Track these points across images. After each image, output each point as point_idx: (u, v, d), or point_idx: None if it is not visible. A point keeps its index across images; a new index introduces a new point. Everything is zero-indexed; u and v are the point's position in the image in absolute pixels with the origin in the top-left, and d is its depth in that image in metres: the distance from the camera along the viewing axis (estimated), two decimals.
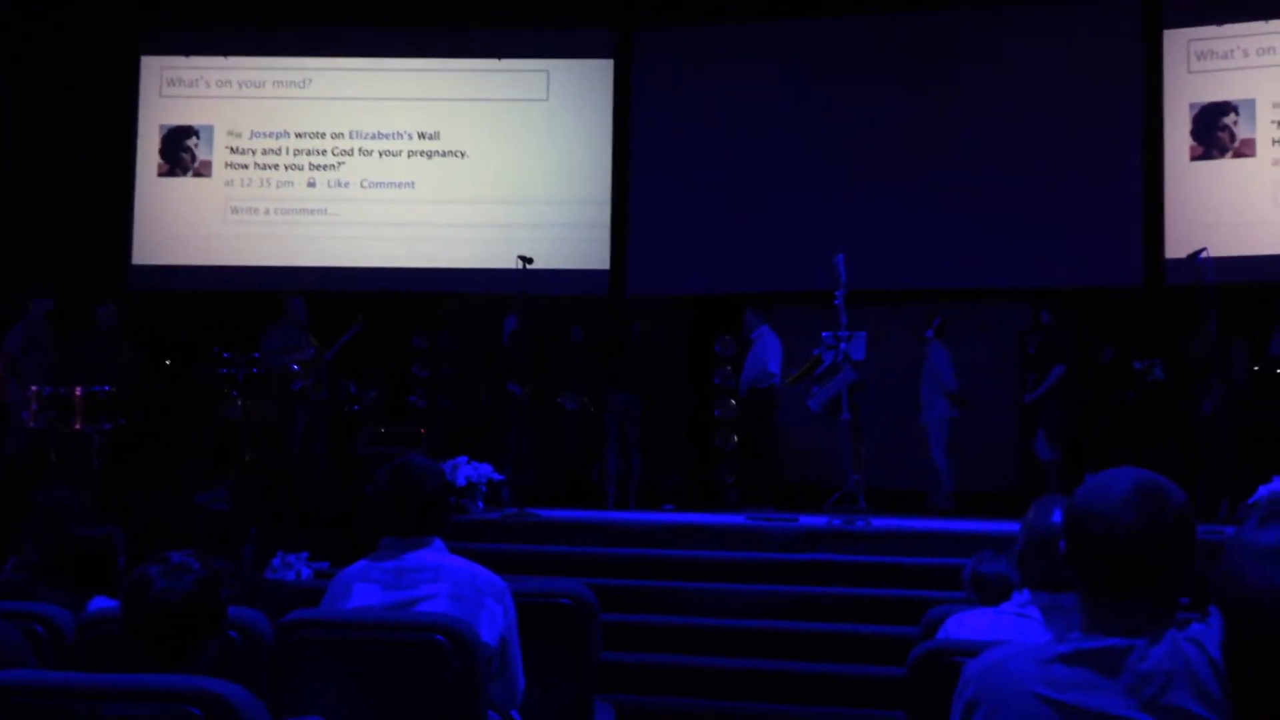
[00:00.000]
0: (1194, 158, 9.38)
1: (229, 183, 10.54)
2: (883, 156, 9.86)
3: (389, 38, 10.62)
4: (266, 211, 10.51)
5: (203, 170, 10.56)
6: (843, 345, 7.80)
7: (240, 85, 10.65)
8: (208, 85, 10.65)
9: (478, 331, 10.17)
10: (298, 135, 10.58)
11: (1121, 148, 9.53)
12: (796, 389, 8.47)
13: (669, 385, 9.85)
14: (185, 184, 10.56)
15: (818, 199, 9.91)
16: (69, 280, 9.22)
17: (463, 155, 10.54)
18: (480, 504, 7.89)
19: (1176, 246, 9.02)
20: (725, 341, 9.93)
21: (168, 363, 9.96)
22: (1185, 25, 9.48)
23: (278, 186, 10.52)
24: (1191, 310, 8.00)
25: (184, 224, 10.53)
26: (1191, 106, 9.42)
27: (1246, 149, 9.24)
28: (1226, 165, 9.28)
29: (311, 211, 10.50)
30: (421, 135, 10.57)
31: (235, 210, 10.52)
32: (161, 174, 10.57)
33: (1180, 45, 9.51)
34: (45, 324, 8.71)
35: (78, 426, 7.72)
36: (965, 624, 2.56)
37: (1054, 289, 9.40)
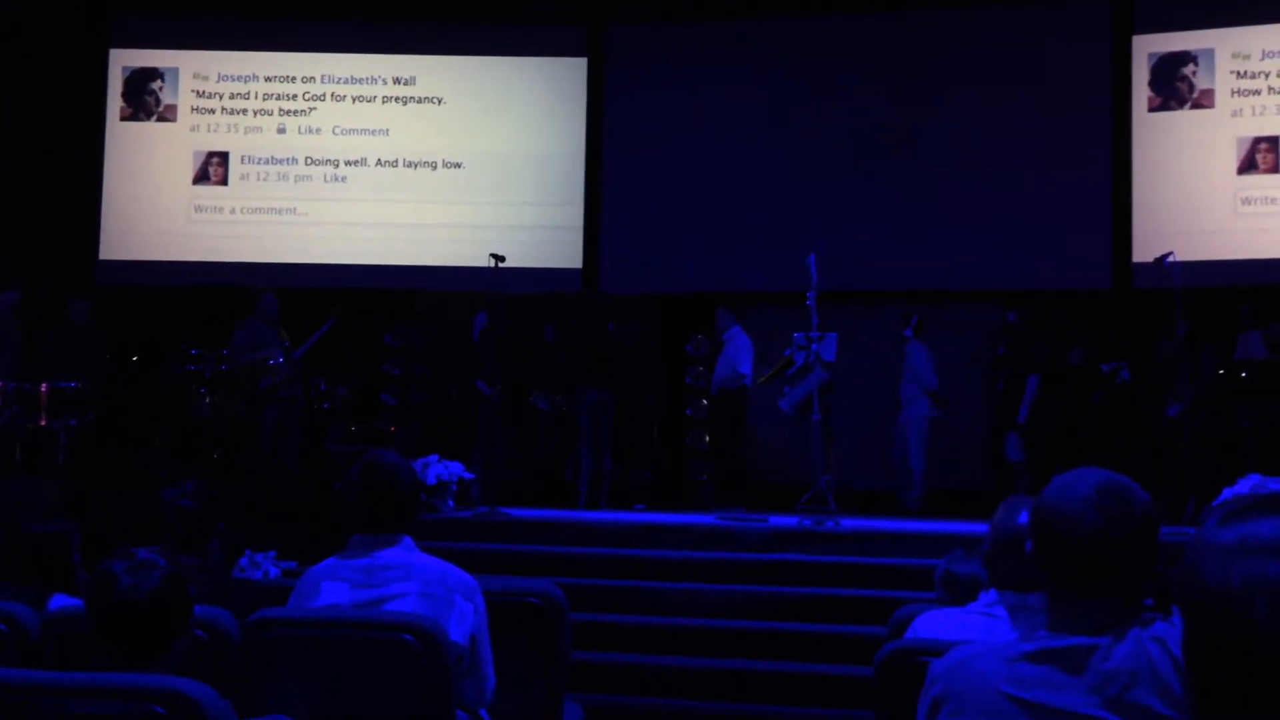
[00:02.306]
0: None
1: (199, 181, 10.44)
2: (855, 157, 9.91)
3: (357, 32, 10.56)
4: (232, 211, 10.41)
5: (175, 167, 10.46)
6: (814, 346, 7.83)
7: (211, 95, 10.55)
8: (175, 85, 10.55)
9: (450, 329, 10.13)
10: (273, 117, 10.51)
11: (1091, 152, 9.63)
12: (768, 389, 8.49)
13: (641, 384, 9.85)
14: (155, 180, 10.46)
15: (790, 199, 9.94)
16: (36, 274, 9.11)
17: (436, 152, 10.50)
18: (451, 503, 7.86)
19: (1144, 250, 9.12)
20: (698, 341, 9.95)
21: (135, 359, 9.86)
22: (1154, 31, 9.58)
23: (250, 187, 10.44)
24: (1159, 313, 8.09)
25: (153, 219, 10.42)
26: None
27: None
28: (1192, 167, 9.39)
29: (280, 211, 10.42)
30: (394, 134, 10.52)
31: (200, 209, 10.41)
32: (130, 169, 10.47)
33: (1148, 51, 9.62)
34: (11, 318, 8.60)
35: (43, 422, 7.64)
36: (933, 623, 2.58)
37: (1023, 291, 9.47)
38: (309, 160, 10.47)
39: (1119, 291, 9.48)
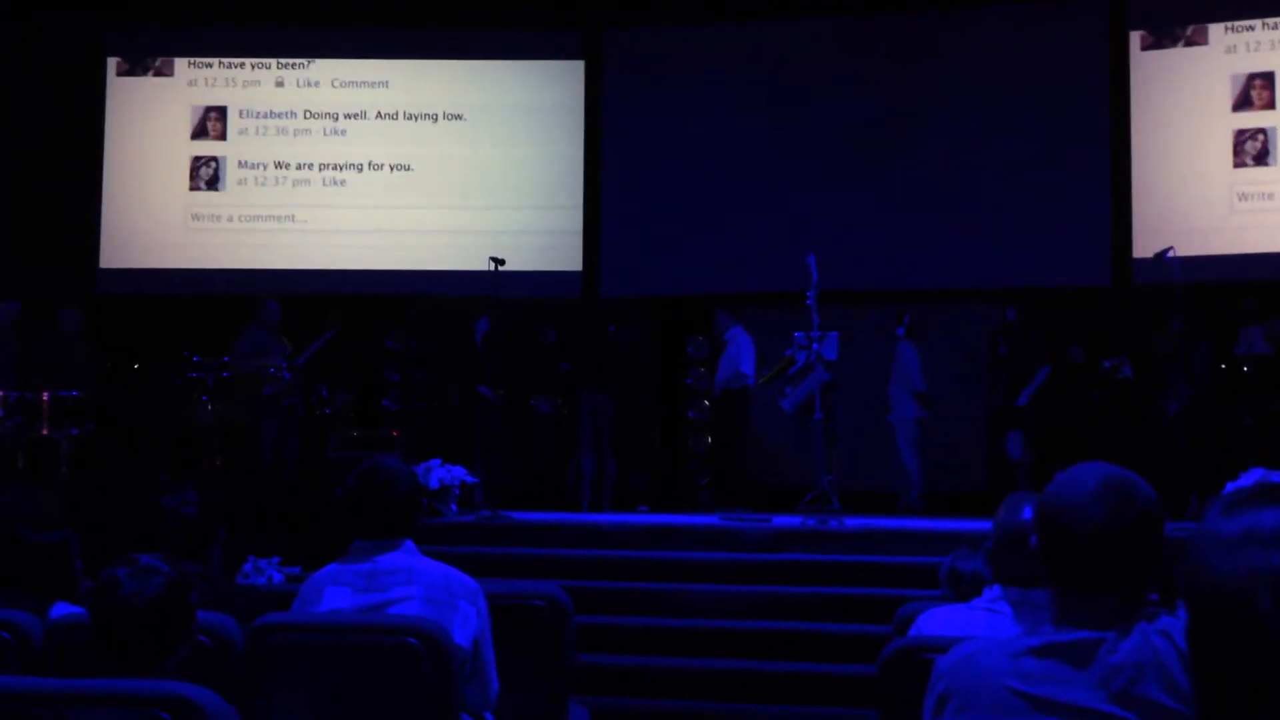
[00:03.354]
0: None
1: (196, 188, 10.43)
2: (853, 157, 9.91)
3: (354, 37, 10.56)
4: (230, 219, 10.39)
5: (174, 175, 10.46)
6: (815, 345, 7.83)
7: (208, 83, 10.53)
8: (169, 91, 10.54)
9: (450, 334, 10.13)
10: (271, 122, 10.51)
11: (1090, 149, 9.63)
12: (769, 390, 8.49)
13: (639, 387, 9.84)
14: (154, 189, 10.45)
15: (789, 199, 9.94)
16: (36, 284, 9.12)
17: (434, 156, 10.49)
18: (454, 507, 7.86)
19: (1144, 246, 9.12)
20: (698, 343, 9.95)
21: (136, 367, 9.86)
22: (1150, 26, 9.59)
23: (249, 194, 10.44)
24: (1159, 309, 8.09)
25: (152, 228, 10.42)
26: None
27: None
28: (1190, 164, 9.39)
29: (279, 218, 10.40)
30: (393, 139, 10.52)
31: (198, 217, 10.40)
32: (130, 177, 10.47)
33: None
34: (11, 329, 8.60)
35: (45, 432, 7.64)
36: (937, 620, 2.58)
37: (1023, 289, 9.47)
38: (307, 165, 10.46)
39: (1119, 288, 9.48)
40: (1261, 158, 9.20)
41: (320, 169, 10.45)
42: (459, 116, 10.52)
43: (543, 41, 10.55)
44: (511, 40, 10.53)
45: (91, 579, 2.47)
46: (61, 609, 2.95)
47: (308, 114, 10.51)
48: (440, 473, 7.81)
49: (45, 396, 7.66)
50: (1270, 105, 9.23)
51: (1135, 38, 9.65)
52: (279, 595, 5.83)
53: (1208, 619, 1.15)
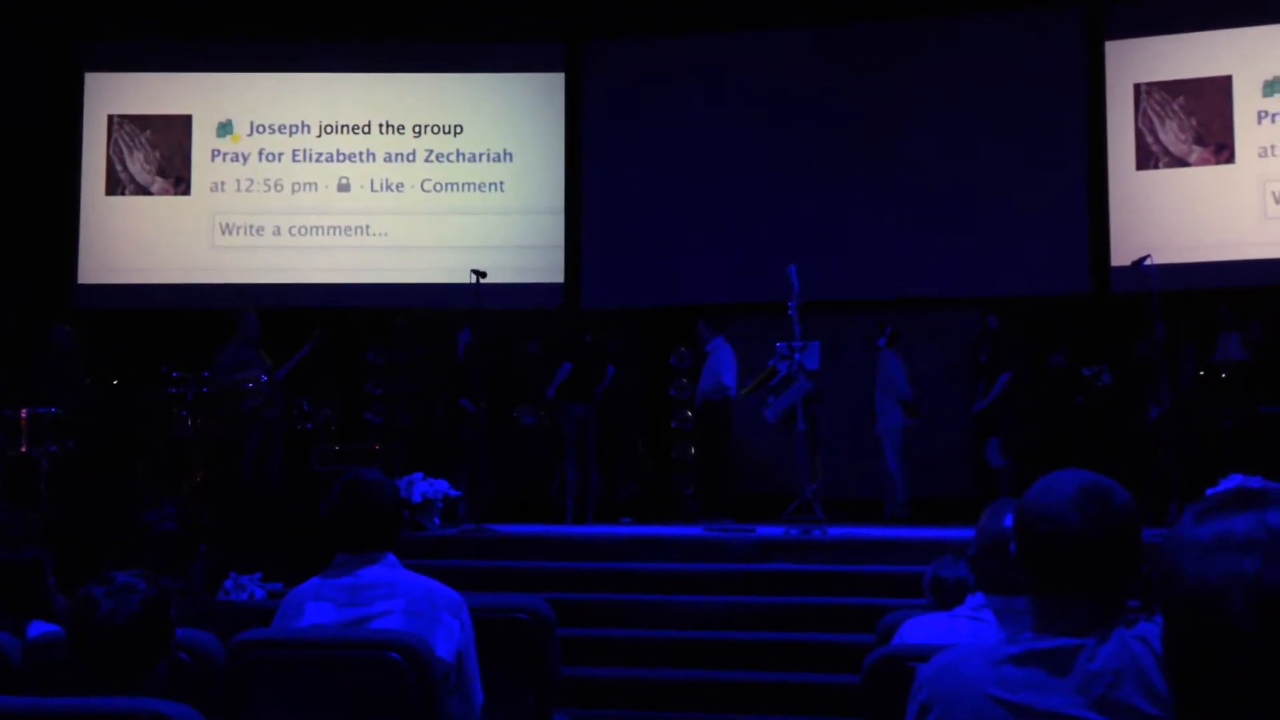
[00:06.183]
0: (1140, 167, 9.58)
1: (169, 197, 10.39)
2: (834, 167, 9.95)
3: (337, 52, 10.55)
4: (210, 232, 10.34)
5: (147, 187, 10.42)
6: (797, 355, 7.85)
7: (187, 87, 10.48)
8: (146, 102, 10.49)
9: (433, 346, 10.11)
10: (252, 137, 10.47)
11: (1067, 157, 9.70)
12: (752, 400, 8.50)
13: (626, 397, 9.83)
14: (132, 202, 10.40)
15: (770, 210, 9.97)
16: (14, 301, 9.05)
17: (417, 169, 10.48)
18: (437, 520, 7.83)
19: (1122, 254, 9.19)
20: (681, 353, 9.96)
21: (116, 382, 9.79)
22: (1126, 37, 9.68)
23: (230, 199, 10.40)
24: (1138, 316, 8.15)
25: (132, 242, 10.36)
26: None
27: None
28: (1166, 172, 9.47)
29: (258, 231, 10.36)
30: (375, 152, 10.49)
31: (177, 232, 10.34)
32: (108, 193, 10.41)
33: (1120, 56, 9.71)
34: None
35: (24, 449, 7.58)
36: (920, 629, 2.58)
37: (1004, 297, 9.52)
38: (289, 182, 10.42)
39: (1098, 295, 9.55)
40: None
41: (302, 182, 10.41)
42: (442, 129, 10.52)
43: (525, 54, 10.56)
44: (494, 53, 10.53)
45: (67, 597, 2.45)
46: (39, 627, 2.93)
47: (292, 130, 10.48)
48: (423, 486, 7.79)
49: (24, 413, 7.60)
50: None
51: (1110, 47, 9.73)
52: (260, 611, 5.78)
53: (1181, 624, 1.16)
